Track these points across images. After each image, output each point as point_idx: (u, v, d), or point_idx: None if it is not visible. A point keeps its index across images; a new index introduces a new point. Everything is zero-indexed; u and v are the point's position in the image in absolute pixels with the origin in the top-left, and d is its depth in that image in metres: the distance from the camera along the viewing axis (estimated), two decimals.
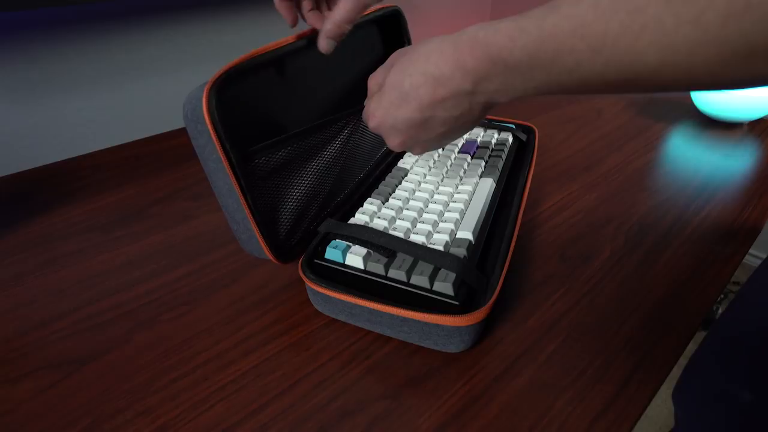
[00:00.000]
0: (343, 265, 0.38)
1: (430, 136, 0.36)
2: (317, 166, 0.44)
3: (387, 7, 0.51)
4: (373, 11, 0.49)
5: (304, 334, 0.39)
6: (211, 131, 0.33)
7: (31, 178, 0.64)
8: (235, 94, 0.36)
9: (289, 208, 0.41)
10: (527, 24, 0.28)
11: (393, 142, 0.38)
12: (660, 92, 0.27)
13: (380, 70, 0.38)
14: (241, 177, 0.36)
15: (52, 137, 0.72)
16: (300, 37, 0.40)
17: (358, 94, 0.48)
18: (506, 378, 0.35)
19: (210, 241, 0.50)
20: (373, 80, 0.38)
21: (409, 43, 0.55)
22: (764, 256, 1.64)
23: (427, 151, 0.39)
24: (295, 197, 0.41)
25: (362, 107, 0.42)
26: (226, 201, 0.37)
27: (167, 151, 0.71)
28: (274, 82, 0.40)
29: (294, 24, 0.41)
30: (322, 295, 0.38)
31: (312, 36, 0.41)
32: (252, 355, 0.37)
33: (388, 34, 0.55)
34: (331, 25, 0.39)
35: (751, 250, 1.59)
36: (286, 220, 0.41)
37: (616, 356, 0.36)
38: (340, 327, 0.39)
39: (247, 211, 0.36)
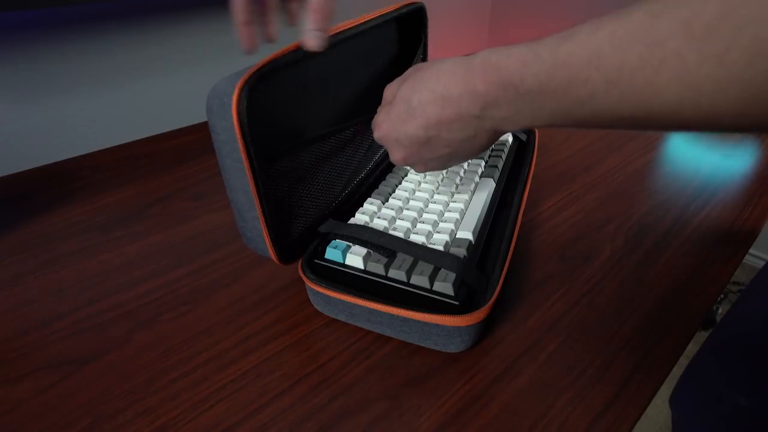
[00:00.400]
0: (343, 265, 0.38)
1: (432, 155, 0.36)
2: (331, 168, 0.44)
3: (412, 3, 0.49)
4: (397, 8, 0.47)
5: (304, 334, 0.39)
6: (237, 130, 0.32)
7: (31, 178, 0.64)
8: (266, 94, 0.35)
9: (299, 211, 0.41)
10: (541, 50, 0.27)
11: (395, 156, 0.38)
12: (675, 131, 0.25)
13: (396, 81, 0.37)
14: (259, 179, 0.34)
15: (52, 137, 0.71)
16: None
17: (376, 95, 0.48)
18: (506, 378, 0.35)
19: (210, 241, 0.50)
20: (389, 90, 0.38)
21: (425, 39, 0.54)
22: (764, 256, 1.64)
23: (430, 170, 0.39)
24: (305, 199, 0.41)
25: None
26: (237, 198, 0.37)
27: (167, 151, 0.71)
28: (300, 82, 0.39)
29: (252, 50, 0.36)
30: (322, 295, 0.38)
31: (336, 35, 0.39)
32: (252, 355, 0.37)
33: (405, 31, 0.53)
34: (314, 14, 0.34)
35: (751, 251, 1.59)
36: (293, 222, 0.40)
37: (616, 356, 0.36)
38: (340, 327, 0.39)
39: (259, 211, 0.36)
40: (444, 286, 0.34)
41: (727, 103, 0.20)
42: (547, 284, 0.43)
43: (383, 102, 0.39)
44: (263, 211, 0.36)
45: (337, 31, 0.39)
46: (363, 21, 0.42)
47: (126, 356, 0.37)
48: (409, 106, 0.34)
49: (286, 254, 0.40)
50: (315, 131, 0.41)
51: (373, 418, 0.32)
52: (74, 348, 0.38)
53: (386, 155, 0.54)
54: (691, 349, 1.43)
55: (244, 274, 0.45)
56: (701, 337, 1.36)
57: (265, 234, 0.37)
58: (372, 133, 0.50)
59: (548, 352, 0.37)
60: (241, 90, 0.31)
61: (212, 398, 0.33)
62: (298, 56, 0.35)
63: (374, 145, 0.52)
